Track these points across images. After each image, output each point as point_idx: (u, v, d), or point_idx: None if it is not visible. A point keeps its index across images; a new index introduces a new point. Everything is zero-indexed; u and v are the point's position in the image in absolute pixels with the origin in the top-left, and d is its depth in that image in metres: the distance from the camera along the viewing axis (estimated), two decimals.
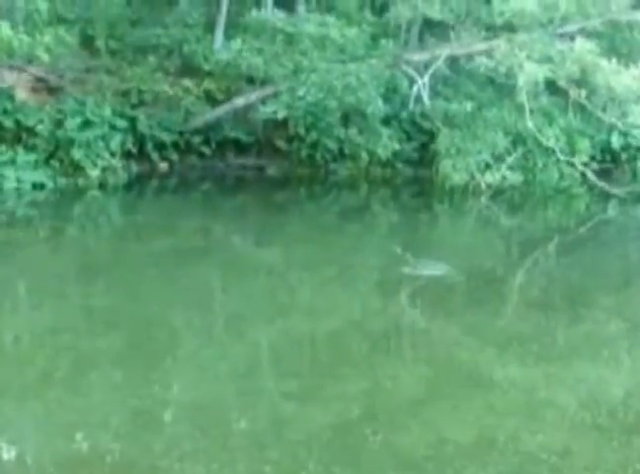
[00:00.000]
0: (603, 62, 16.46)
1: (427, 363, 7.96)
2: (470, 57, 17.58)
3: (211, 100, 18.31)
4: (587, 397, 7.23)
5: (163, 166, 17.78)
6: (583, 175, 18.61)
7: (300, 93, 16.49)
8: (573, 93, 17.30)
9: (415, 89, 16.83)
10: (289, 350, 8.15)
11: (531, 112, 17.19)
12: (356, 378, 7.44)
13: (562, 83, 17.25)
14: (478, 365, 7.90)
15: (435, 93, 18.24)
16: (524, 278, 12.13)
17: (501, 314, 10.09)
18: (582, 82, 17.22)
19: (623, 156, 20.12)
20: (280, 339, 8.49)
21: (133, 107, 17.48)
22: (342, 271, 11.58)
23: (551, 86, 17.87)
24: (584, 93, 17.26)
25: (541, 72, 16.34)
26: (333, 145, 18.07)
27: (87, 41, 18.67)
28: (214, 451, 5.96)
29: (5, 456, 5.80)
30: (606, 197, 18.08)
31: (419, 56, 17.84)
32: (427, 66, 17.32)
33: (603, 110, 17.83)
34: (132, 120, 17.03)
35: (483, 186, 17.60)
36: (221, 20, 19.04)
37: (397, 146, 18.15)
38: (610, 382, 7.64)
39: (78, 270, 11.04)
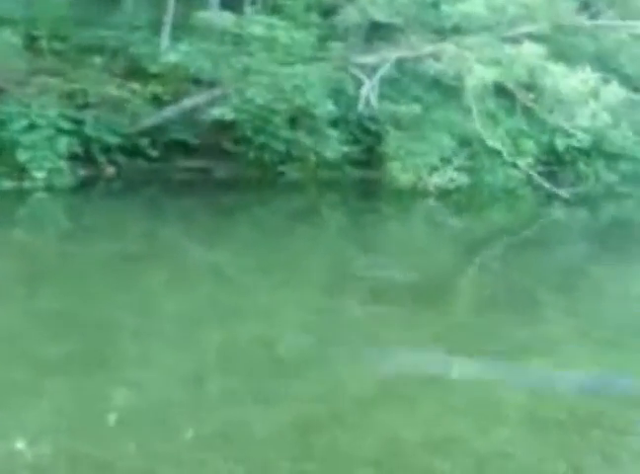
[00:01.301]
0: (551, 65, 16.70)
1: (376, 364, 7.97)
2: (418, 60, 17.70)
3: (158, 102, 18.18)
4: (537, 395, 7.29)
5: (109, 169, 17.60)
6: (528, 176, 18.84)
7: (249, 95, 16.47)
8: (521, 96, 17.52)
9: (364, 91, 16.88)
10: (241, 352, 8.10)
11: (478, 114, 17.36)
12: (308, 380, 7.43)
13: (510, 86, 17.47)
14: (427, 365, 7.95)
15: (381, 95, 18.32)
16: (472, 279, 12.26)
17: (450, 314, 10.15)
18: (529, 85, 17.46)
19: (567, 158, 20.40)
20: (231, 342, 8.44)
21: (79, 109, 17.28)
22: (292, 273, 11.59)
23: (497, 88, 18.05)
24: (531, 96, 17.50)
25: (490, 75, 16.52)
26: (281, 147, 18.04)
27: (30, 42, 18.41)
28: (184, 453, 5.93)
29: None
30: (551, 198, 18.32)
31: (367, 59, 17.93)
32: (374, 69, 17.40)
33: (550, 112, 18.06)
34: (78, 123, 16.85)
35: (430, 187, 17.74)
36: (168, 21, 18.93)
37: (345, 148, 18.19)
38: (560, 380, 7.73)
39: (24, 274, 10.88)
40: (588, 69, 17.09)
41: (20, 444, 5.99)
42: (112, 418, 6.46)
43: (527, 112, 19.02)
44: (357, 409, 6.86)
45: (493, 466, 5.97)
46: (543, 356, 8.39)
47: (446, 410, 6.91)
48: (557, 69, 16.71)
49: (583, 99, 16.96)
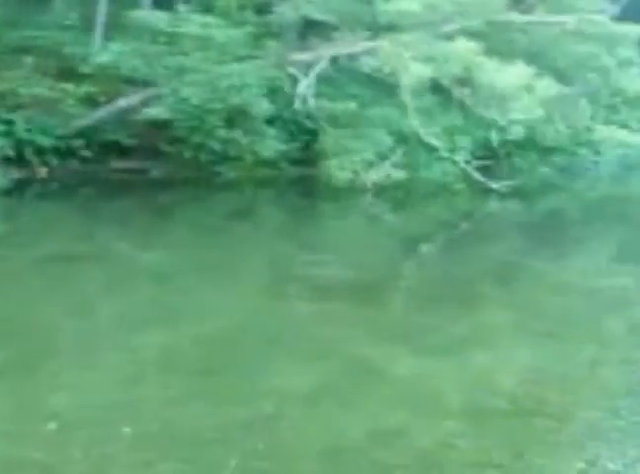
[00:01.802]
0: (485, 61, 16.89)
1: (318, 360, 7.99)
2: (353, 57, 17.76)
3: (92, 103, 17.93)
4: (478, 386, 7.37)
5: (43, 171, 17.32)
6: (464, 171, 19.00)
7: (184, 94, 16.35)
8: (456, 91, 17.69)
9: (300, 89, 16.88)
10: (181, 353, 8.05)
11: (414, 110, 17.47)
12: (247, 379, 7.41)
13: (445, 82, 17.63)
14: (369, 360, 7.99)
15: (318, 93, 18.33)
16: (412, 274, 12.35)
17: (390, 308, 10.25)
18: (464, 80, 17.62)
19: (502, 152, 20.62)
20: (171, 343, 8.37)
21: (10, 110, 16.98)
22: (230, 272, 11.54)
23: (432, 84, 18.17)
24: (467, 91, 17.67)
25: (425, 72, 16.65)
26: (217, 147, 17.92)
27: None
28: (130, 454, 5.89)
29: None
30: (486, 192, 18.50)
31: (302, 56, 17.93)
32: (310, 66, 17.40)
33: (486, 107, 18.25)
34: (10, 124, 16.58)
35: (368, 184, 17.79)
36: (100, 21, 18.70)
37: (282, 147, 18.17)
38: (500, 371, 7.81)
39: None
40: (521, 64, 17.33)
41: None
42: (53, 422, 6.37)
43: (462, 107, 19.18)
44: (300, 405, 6.88)
45: (437, 457, 6.02)
46: (484, 348, 8.48)
47: (389, 404, 6.97)
48: (491, 65, 16.92)
49: (517, 93, 17.20)
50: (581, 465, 5.98)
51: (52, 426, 6.30)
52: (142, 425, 6.33)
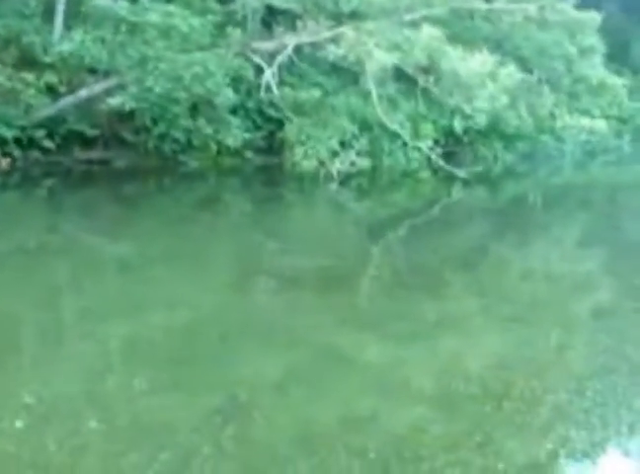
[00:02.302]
0: (449, 49, 16.96)
1: (288, 349, 7.97)
2: (317, 45, 17.74)
3: (53, 92, 17.80)
4: (446, 372, 7.40)
5: (5, 162, 17.15)
6: (428, 159, 19.09)
7: (147, 84, 16.25)
8: (421, 79, 17.75)
9: (265, 77, 16.84)
10: (149, 344, 7.98)
11: (378, 98, 17.50)
12: (217, 368, 7.38)
13: (409, 70, 17.69)
14: (338, 347, 7.98)
15: (281, 81, 18.31)
16: (378, 261, 12.37)
17: (358, 296, 10.25)
18: (428, 68, 17.69)
19: (465, 139, 20.76)
20: (138, 333, 8.32)
21: None
22: (196, 262, 11.50)
23: (396, 72, 18.22)
24: (431, 79, 17.74)
25: (389, 59, 16.68)
26: (181, 136, 17.88)
27: None
28: (104, 445, 5.88)
29: None
30: (451, 179, 18.61)
31: (266, 45, 17.89)
32: (273, 55, 17.36)
33: (450, 95, 18.34)
34: None
35: (333, 172, 17.81)
36: (60, 9, 18.49)
37: (246, 135, 18.13)
38: (468, 356, 7.86)
39: None
40: (485, 52, 17.43)
41: None
42: (23, 414, 6.32)
43: (426, 95, 19.26)
44: (271, 393, 6.87)
45: (409, 441, 6.05)
46: (452, 334, 8.53)
47: (360, 390, 6.97)
48: (455, 52, 17.00)
49: (481, 81, 17.30)
50: (550, 446, 6.05)
51: (23, 418, 6.26)
52: (113, 415, 6.30)
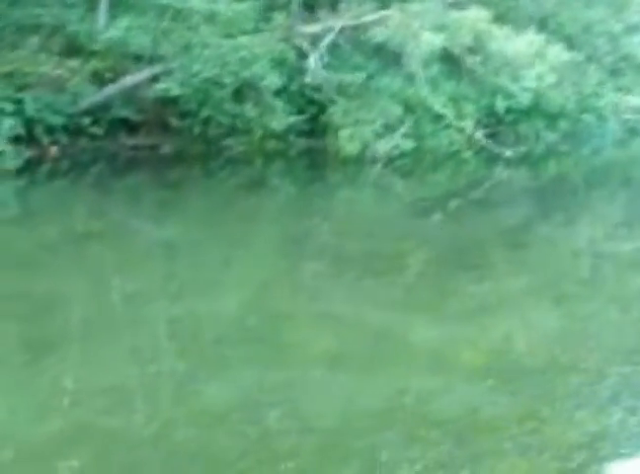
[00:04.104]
0: (496, 29, 16.92)
1: (338, 330, 8.09)
2: (362, 28, 17.73)
3: (99, 80, 17.94)
4: (493, 353, 7.46)
5: (53, 149, 17.35)
6: (471, 139, 19.05)
7: (193, 69, 16.38)
8: (467, 60, 17.71)
9: (309, 61, 16.88)
10: (195, 327, 8.12)
11: (423, 80, 17.50)
12: (263, 352, 7.47)
13: (456, 51, 17.66)
14: (389, 327, 8.07)
15: (323, 64, 18.32)
16: (424, 241, 12.39)
17: (406, 277, 10.34)
18: (475, 49, 17.65)
19: (507, 119, 20.59)
20: (184, 316, 8.44)
21: (18, 89, 16.99)
22: (243, 245, 11.63)
23: (439, 53, 18.18)
24: (477, 59, 17.70)
25: (436, 41, 16.67)
26: (226, 121, 17.96)
27: None
28: (192, 418, 6.04)
29: None
30: (493, 159, 18.57)
31: (309, 28, 17.89)
32: (316, 38, 17.38)
33: (496, 75, 18.29)
34: (19, 104, 16.57)
35: (376, 154, 17.85)
36: None
37: (290, 119, 18.20)
38: (524, 333, 7.91)
39: None
40: (532, 31, 17.36)
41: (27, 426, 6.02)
42: (109, 390, 6.49)
43: (467, 75, 19.20)
44: (323, 372, 6.96)
45: (480, 413, 6.14)
46: (503, 312, 8.61)
47: (408, 370, 7.04)
48: (502, 32, 16.95)
49: (528, 61, 17.25)
50: (619, 415, 6.14)
51: (109, 394, 6.43)
52: (168, 399, 6.46)
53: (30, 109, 16.81)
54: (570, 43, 19.41)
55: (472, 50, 17.73)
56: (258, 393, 6.51)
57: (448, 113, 18.48)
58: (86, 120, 17.61)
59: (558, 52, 17.59)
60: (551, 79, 18.00)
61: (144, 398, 6.48)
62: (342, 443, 5.66)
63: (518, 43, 16.91)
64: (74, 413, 6.19)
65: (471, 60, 17.99)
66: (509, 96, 19.51)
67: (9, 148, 16.11)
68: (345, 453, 5.50)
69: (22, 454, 5.56)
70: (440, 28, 16.96)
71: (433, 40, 16.70)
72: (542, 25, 18.63)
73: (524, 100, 19.51)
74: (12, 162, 16.08)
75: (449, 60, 18.74)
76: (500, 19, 17.60)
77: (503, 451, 5.55)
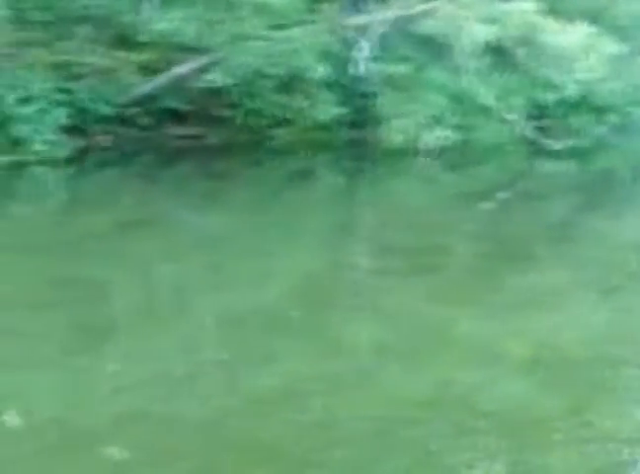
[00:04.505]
0: (547, 21, 16.81)
1: (383, 321, 8.08)
2: (410, 19, 17.70)
3: (148, 70, 18.10)
4: (540, 346, 7.41)
5: (103, 139, 17.58)
6: (518, 132, 18.96)
7: (242, 60, 16.47)
8: (517, 53, 17.62)
9: (356, 53, 16.89)
10: (240, 316, 8.16)
11: (470, 72, 17.44)
12: (309, 342, 7.50)
13: (506, 43, 17.59)
14: (433, 320, 8.05)
15: (371, 55, 18.33)
16: (470, 234, 12.36)
17: (450, 269, 10.31)
18: (525, 41, 17.55)
19: (556, 112, 20.48)
20: (227, 307, 8.50)
21: (69, 80, 17.22)
22: (291, 235, 11.67)
23: (487, 45, 18.09)
24: (527, 52, 17.61)
25: (486, 33, 16.60)
26: (272, 111, 18.06)
27: (16, 14, 18.26)
28: (248, 405, 6.13)
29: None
30: (540, 152, 18.48)
31: (357, 19, 17.90)
32: (364, 29, 17.37)
33: (547, 68, 18.17)
34: (70, 94, 16.79)
35: (423, 146, 17.83)
36: None
37: (337, 110, 18.23)
38: (563, 330, 7.86)
39: (21, 246, 10.91)
40: (583, 23, 17.21)
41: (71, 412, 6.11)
42: (160, 377, 6.57)
43: (516, 68, 19.10)
44: (359, 368, 6.93)
45: (530, 406, 6.12)
46: (550, 305, 8.55)
47: (455, 362, 7.03)
48: (553, 25, 16.83)
49: (579, 54, 17.13)
50: None
51: (159, 382, 6.52)
52: (216, 387, 6.52)
53: (80, 99, 17.03)
54: (622, 36, 19.20)
55: (522, 43, 17.61)
56: (306, 382, 6.55)
57: (496, 105, 18.40)
58: (134, 111, 17.80)
59: (609, 45, 17.41)
60: (601, 72, 17.83)
61: (194, 386, 6.53)
62: (392, 432, 5.66)
63: (569, 36, 16.77)
64: (125, 399, 6.25)
65: (521, 53, 17.87)
66: (557, 89, 19.38)
67: (60, 138, 16.40)
68: (396, 442, 5.52)
69: (72, 440, 5.64)
70: (489, 19, 16.87)
71: (482, 32, 16.62)
72: (595, 17, 18.43)
73: (573, 93, 19.37)
74: (62, 151, 16.31)
75: (499, 52, 18.64)
76: (552, 11, 17.45)
77: (553, 443, 5.53)
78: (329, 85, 18.34)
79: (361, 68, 17.44)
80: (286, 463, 5.32)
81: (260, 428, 5.75)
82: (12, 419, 5.88)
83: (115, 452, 5.44)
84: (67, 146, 16.56)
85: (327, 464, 5.29)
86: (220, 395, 6.31)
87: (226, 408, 6.07)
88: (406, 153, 17.72)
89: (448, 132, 18.19)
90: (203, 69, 17.43)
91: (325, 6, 18.30)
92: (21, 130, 15.63)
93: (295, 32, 16.80)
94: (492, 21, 16.98)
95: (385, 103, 17.98)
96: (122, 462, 5.34)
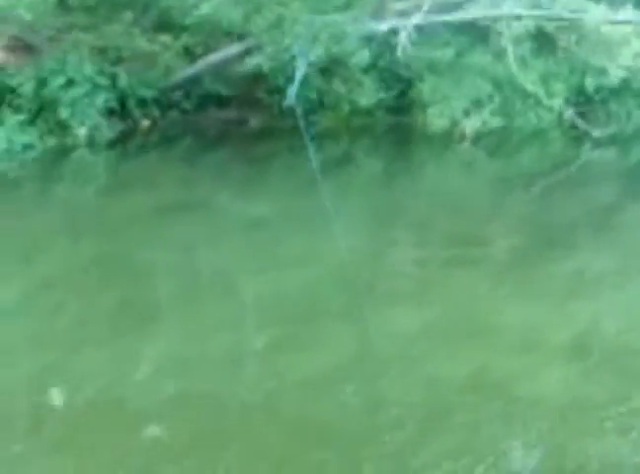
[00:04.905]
0: (592, 6, 16.65)
1: (420, 308, 8.13)
2: (452, 4, 17.61)
3: (190, 54, 18.15)
4: (581, 335, 7.44)
5: (145, 123, 17.66)
6: (559, 118, 18.83)
7: (284, 45, 16.47)
8: (561, 38, 17.48)
9: (400, 37, 16.81)
10: (278, 301, 8.26)
11: (513, 57, 17.33)
12: (350, 325, 7.59)
13: (550, 28, 17.46)
14: (474, 308, 8.08)
15: (413, 40, 18.24)
16: (510, 221, 12.33)
17: (492, 255, 10.31)
18: (569, 26, 17.40)
19: (597, 98, 20.26)
20: (269, 291, 8.58)
21: (112, 64, 17.30)
22: (329, 220, 11.65)
23: (531, 30, 17.97)
24: (572, 38, 17.46)
25: (529, 17, 16.48)
26: (314, 96, 18.07)
27: None
28: (298, 388, 6.22)
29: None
30: (581, 139, 18.32)
31: (400, 4, 17.81)
32: (407, 14, 17.28)
33: (592, 53, 18.02)
34: (113, 78, 16.86)
35: (464, 132, 17.76)
36: None
37: (378, 95, 18.21)
38: (606, 318, 7.86)
39: (65, 227, 11.08)
40: (629, 8, 17.03)
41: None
42: (208, 360, 6.68)
43: (557, 53, 18.94)
44: (402, 352, 7.02)
45: (574, 392, 6.14)
46: (591, 294, 8.56)
47: (492, 352, 7.05)
48: (597, 9, 16.67)
49: (625, 39, 16.95)
50: None
51: (207, 363, 6.61)
52: (277, 366, 6.58)
53: (123, 83, 17.10)
54: None
55: (566, 28, 17.47)
56: (351, 365, 6.64)
57: (538, 91, 18.26)
58: (177, 95, 17.87)
59: None
60: None
61: (240, 368, 6.65)
62: (439, 416, 5.74)
63: (613, 21, 16.59)
64: (170, 380, 6.37)
65: (564, 38, 17.72)
66: (599, 74, 19.19)
67: (103, 121, 16.53)
68: (443, 426, 5.59)
69: (116, 419, 5.75)
70: (532, 5, 16.74)
71: (525, 17, 16.51)
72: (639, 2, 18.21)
73: (615, 78, 19.15)
74: (105, 135, 16.47)
75: (540, 37, 18.50)
76: None
77: (603, 431, 5.57)
78: (370, 70, 18.29)
79: (404, 53, 17.32)
80: (337, 446, 5.41)
81: (308, 410, 5.85)
82: (57, 397, 6.01)
83: (159, 432, 5.54)
84: (110, 130, 16.72)
85: (378, 447, 5.37)
86: (266, 377, 6.41)
87: (273, 390, 6.17)
88: (447, 138, 17.66)
89: (489, 118, 18.10)
90: (246, 53, 17.44)
91: None
92: (65, 114, 15.78)
93: (337, 16, 16.74)
94: (535, 5, 16.84)
95: (426, 88, 17.89)
96: (168, 443, 5.43)
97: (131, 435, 5.49)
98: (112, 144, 16.49)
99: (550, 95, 18.75)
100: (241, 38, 17.98)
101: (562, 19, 17.23)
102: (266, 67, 17.02)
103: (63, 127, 15.87)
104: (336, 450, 5.31)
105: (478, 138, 17.74)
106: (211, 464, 5.18)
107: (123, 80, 17.09)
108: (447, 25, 18.70)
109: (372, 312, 7.91)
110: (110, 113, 16.87)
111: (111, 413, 5.79)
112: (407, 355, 6.92)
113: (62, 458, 5.24)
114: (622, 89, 20.04)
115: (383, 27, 17.35)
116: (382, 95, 18.44)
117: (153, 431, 5.55)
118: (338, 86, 17.96)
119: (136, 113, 17.51)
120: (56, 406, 5.85)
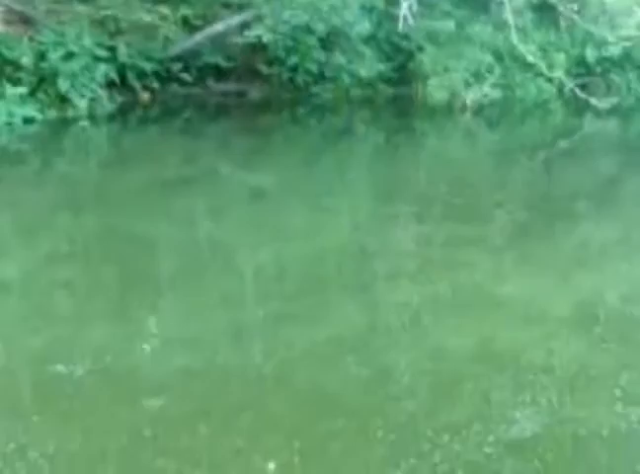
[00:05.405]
0: None
1: (423, 280, 8.11)
2: None
3: (189, 26, 18.11)
4: (586, 305, 7.44)
5: (145, 95, 17.64)
6: (559, 90, 18.78)
7: (284, 16, 16.40)
8: (563, 8, 17.41)
9: (401, 8, 16.73)
10: (282, 273, 8.28)
11: (514, 28, 17.27)
12: (361, 296, 7.58)
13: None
14: (475, 280, 8.07)
15: (413, 12, 18.16)
16: (511, 192, 12.29)
17: (491, 228, 10.27)
18: None
19: (598, 69, 20.20)
20: (271, 263, 8.58)
21: (111, 36, 17.26)
22: (331, 192, 11.69)
23: (531, 1, 17.91)
24: (574, 7, 17.39)
25: None
26: (314, 68, 18.01)
27: None
28: (307, 358, 6.24)
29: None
30: (582, 111, 18.28)
31: None
32: None
33: (594, 24, 17.95)
34: (112, 50, 16.81)
35: (465, 103, 17.72)
36: None
37: (379, 67, 18.15)
38: (610, 288, 7.86)
39: (66, 200, 11.06)
40: None
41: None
42: (222, 332, 6.69)
43: (557, 24, 18.87)
44: (411, 323, 7.03)
45: (586, 361, 6.17)
46: (595, 264, 8.56)
47: (499, 323, 7.05)
48: None
49: (627, 9, 16.88)
50: None
51: (217, 336, 6.63)
52: (286, 338, 6.60)
53: (122, 55, 17.05)
54: None
55: None
56: (360, 336, 6.65)
57: (539, 62, 18.21)
58: (176, 67, 17.82)
59: None
60: None
61: (248, 340, 6.65)
62: (450, 385, 5.77)
63: None
64: (176, 353, 6.36)
65: (567, 8, 17.64)
66: (600, 45, 19.13)
67: (103, 94, 16.49)
68: (454, 394, 5.62)
69: (121, 392, 5.74)
70: None
71: None
72: None
73: (616, 50, 19.09)
74: (106, 107, 16.43)
75: (542, 8, 18.43)
76: None
77: (614, 399, 5.59)
78: (372, 41, 18.22)
79: (405, 24, 17.24)
80: (347, 416, 5.42)
81: (317, 381, 5.86)
82: (60, 369, 6.02)
83: (168, 404, 5.54)
84: (110, 102, 16.67)
85: (388, 416, 5.39)
86: (274, 349, 6.41)
87: (281, 361, 6.18)
88: (447, 110, 17.64)
89: (491, 89, 18.06)
90: (246, 25, 17.37)
91: None
92: (65, 86, 15.71)
93: None
94: None
95: (427, 59, 17.85)
96: (176, 414, 5.43)
97: (140, 407, 5.50)
98: (112, 117, 16.44)
99: (551, 66, 18.70)
100: (241, 9, 17.93)
101: None
102: (265, 39, 16.97)
103: (63, 100, 15.82)
104: (346, 420, 5.33)
105: (479, 110, 17.71)
106: (220, 434, 5.20)
107: (123, 52, 17.05)
108: None
109: (380, 282, 7.93)
110: (110, 85, 16.84)
111: (118, 385, 5.79)
112: (414, 326, 6.92)
113: (70, 429, 5.26)
114: (623, 60, 19.99)
115: None
116: (383, 66, 18.41)
117: (161, 402, 5.56)
118: (338, 57, 17.92)
119: (136, 85, 17.46)
120: (64, 378, 5.86)
